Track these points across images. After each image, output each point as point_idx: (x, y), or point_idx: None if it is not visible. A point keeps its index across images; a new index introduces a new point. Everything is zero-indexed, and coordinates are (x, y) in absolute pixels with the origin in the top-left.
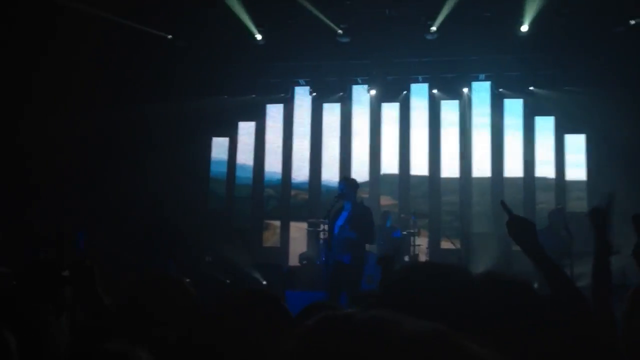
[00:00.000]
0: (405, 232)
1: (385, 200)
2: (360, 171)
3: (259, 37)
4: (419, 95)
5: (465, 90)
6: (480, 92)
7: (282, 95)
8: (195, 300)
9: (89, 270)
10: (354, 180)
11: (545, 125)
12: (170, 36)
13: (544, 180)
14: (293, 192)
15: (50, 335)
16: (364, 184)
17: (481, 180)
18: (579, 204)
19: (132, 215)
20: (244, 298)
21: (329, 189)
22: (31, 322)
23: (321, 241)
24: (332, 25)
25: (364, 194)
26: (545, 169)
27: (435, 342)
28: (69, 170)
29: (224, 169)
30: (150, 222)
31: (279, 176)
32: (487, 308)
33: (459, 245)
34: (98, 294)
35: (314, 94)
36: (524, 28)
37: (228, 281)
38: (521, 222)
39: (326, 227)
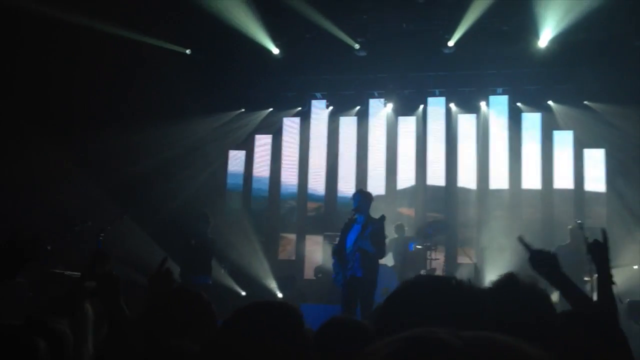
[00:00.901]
0: (421, 246)
1: (402, 213)
2: (376, 185)
3: (276, 51)
4: (436, 109)
5: (483, 104)
6: (498, 106)
7: (299, 108)
8: (213, 312)
9: (115, 282)
10: (368, 193)
11: (563, 140)
12: (188, 51)
13: (563, 194)
14: (309, 205)
15: (68, 348)
16: (380, 197)
17: (499, 193)
18: (598, 219)
19: (152, 224)
20: (262, 309)
21: (345, 202)
22: (53, 334)
23: (332, 253)
24: (349, 39)
25: (380, 206)
26: (563, 183)
27: None
28: (89, 178)
29: (240, 181)
30: (191, 238)
31: (295, 189)
32: (491, 318)
33: (475, 260)
34: (122, 306)
35: (331, 107)
36: (542, 42)
37: (244, 293)
38: (542, 256)
39: None
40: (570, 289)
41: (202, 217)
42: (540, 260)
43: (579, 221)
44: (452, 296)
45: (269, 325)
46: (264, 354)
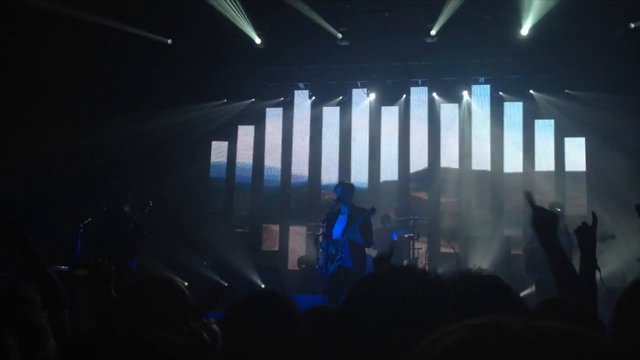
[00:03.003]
0: (405, 235)
1: (386, 204)
2: (359, 174)
3: (258, 41)
4: (419, 99)
5: (465, 93)
6: (480, 95)
7: (282, 99)
8: (190, 303)
9: (108, 270)
10: (350, 184)
11: (545, 128)
12: (169, 41)
13: (544, 182)
14: (293, 195)
15: (46, 341)
16: (363, 185)
17: (481, 180)
18: (578, 207)
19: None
20: (258, 298)
21: (328, 190)
22: (27, 326)
23: (320, 243)
24: (331, 28)
25: (363, 196)
26: (544, 171)
27: None
28: (70, 173)
29: (223, 172)
30: (108, 219)
31: (279, 180)
32: (454, 309)
33: (457, 249)
34: (111, 295)
35: (314, 97)
36: (524, 31)
37: (226, 284)
38: (544, 214)
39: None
40: (557, 255)
41: (120, 195)
42: (542, 218)
43: (559, 210)
44: (416, 286)
45: (269, 315)
46: (264, 342)
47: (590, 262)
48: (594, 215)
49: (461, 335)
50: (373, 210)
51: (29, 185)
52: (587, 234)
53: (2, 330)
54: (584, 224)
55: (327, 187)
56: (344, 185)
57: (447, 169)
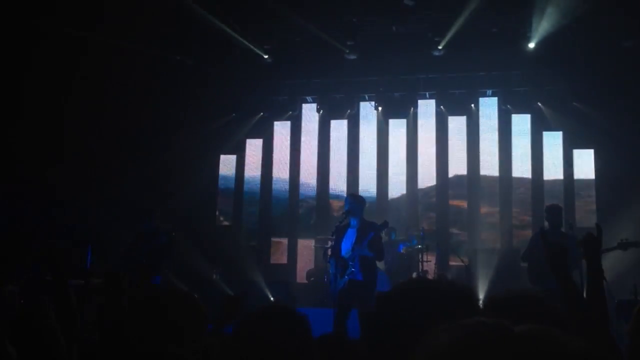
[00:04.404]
0: (411, 249)
1: (394, 216)
2: (368, 187)
3: (266, 55)
4: (427, 112)
5: (473, 106)
6: (488, 107)
7: (290, 112)
8: (205, 316)
9: (123, 280)
10: (360, 197)
11: (553, 140)
12: (178, 57)
13: (552, 194)
14: (302, 209)
15: (60, 351)
16: (372, 199)
17: (489, 191)
18: (588, 219)
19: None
20: (271, 316)
21: (337, 206)
22: (42, 339)
23: (329, 258)
24: (339, 42)
25: (372, 208)
26: (553, 183)
27: None
28: (81, 185)
29: (231, 186)
30: (139, 233)
31: (287, 193)
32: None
33: (467, 262)
34: (123, 305)
35: (322, 111)
36: (531, 44)
37: (240, 294)
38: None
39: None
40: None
41: (145, 212)
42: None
43: (570, 221)
44: (445, 298)
45: (279, 332)
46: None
47: (596, 273)
48: (598, 227)
49: (453, 336)
50: (386, 224)
51: (52, 200)
52: (592, 245)
53: (2, 338)
54: (589, 234)
55: (335, 194)
56: (354, 198)
57: (455, 181)
